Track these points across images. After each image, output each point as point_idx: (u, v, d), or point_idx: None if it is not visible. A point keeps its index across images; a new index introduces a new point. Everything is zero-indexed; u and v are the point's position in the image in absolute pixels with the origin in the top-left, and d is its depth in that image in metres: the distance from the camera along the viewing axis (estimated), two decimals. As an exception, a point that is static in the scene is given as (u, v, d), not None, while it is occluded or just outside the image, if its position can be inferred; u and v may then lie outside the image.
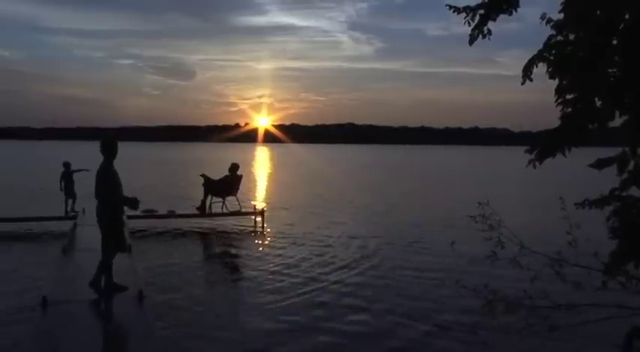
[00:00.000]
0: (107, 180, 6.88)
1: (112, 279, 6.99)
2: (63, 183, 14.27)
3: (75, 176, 14.34)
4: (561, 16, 4.16)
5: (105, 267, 6.95)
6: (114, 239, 6.98)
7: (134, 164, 44.49)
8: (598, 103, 4.05)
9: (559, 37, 4.23)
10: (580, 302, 4.71)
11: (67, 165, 14.38)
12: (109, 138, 7.01)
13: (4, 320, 6.86)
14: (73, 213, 13.88)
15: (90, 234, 10.77)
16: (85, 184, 13.92)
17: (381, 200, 22.56)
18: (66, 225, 12.88)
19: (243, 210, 15.33)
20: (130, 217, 12.63)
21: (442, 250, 11.30)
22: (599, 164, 4.30)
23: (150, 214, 13.98)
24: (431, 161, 71.74)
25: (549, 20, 4.29)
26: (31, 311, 6.65)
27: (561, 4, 4.13)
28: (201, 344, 6.37)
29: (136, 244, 10.02)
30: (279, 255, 11.18)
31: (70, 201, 14.26)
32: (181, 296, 8.16)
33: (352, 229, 14.58)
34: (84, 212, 13.52)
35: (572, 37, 4.19)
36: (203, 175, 15.03)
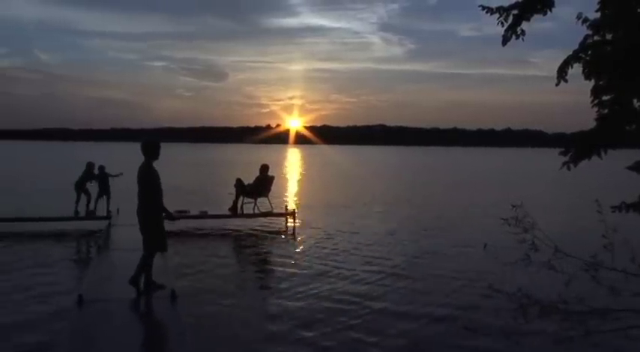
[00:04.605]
0: (148, 180, 6.99)
1: (151, 278, 7.12)
2: (97, 183, 14.78)
3: (111, 180, 14.90)
4: (597, 15, 4.08)
5: (146, 265, 7.08)
6: (156, 238, 7.10)
7: (168, 165, 45.14)
8: (636, 104, 3.96)
9: (595, 37, 4.15)
10: (616, 307, 4.59)
11: (101, 168, 14.91)
12: (149, 139, 7.12)
13: (41, 319, 7.03)
14: (107, 213, 14.25)
15: (124, 234, 11.01)
16: (121, 185, 14.28)
17: (411, 201, 22.42)
18: (98, 225, 13.19)
19: (274, 210, 15.42)
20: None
21: (474, 252, 11.18)
22: (639, 166, 4.20)
23: (182, 215, 14.16)
24: (462, 162, 70.94)
25: (585, 20, 4.21)
26: (67, 310, 6.81)
27: (598, 2, 4.05)
28: (231, 345, 6.43)
29: (168, 244, 10.15)
30: (310, 255, 11.21)
31: (99, 201, 14.69)
32: (213, 296, 8.24)
33: (383, 230, 14.53)
34: (118, 212, 13.87)
35: (609, 36, 4.10)
36: (239, 180, 15.19)
